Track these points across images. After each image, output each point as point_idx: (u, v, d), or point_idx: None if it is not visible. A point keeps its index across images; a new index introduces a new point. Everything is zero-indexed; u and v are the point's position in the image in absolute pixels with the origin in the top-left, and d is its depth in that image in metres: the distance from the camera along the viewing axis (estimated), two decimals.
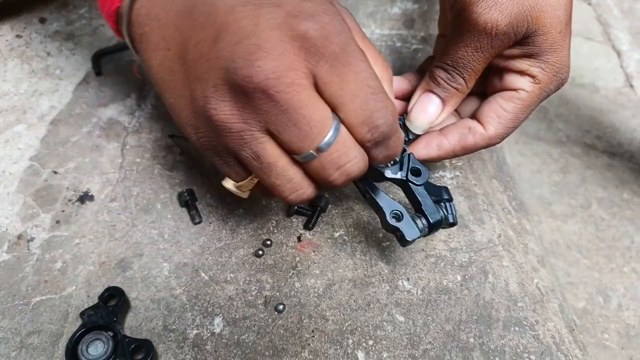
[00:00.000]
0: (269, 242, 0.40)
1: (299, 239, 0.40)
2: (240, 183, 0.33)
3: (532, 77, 0.36)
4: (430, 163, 0.45)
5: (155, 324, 0.36)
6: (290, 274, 0.38)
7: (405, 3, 0.60)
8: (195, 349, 0.35)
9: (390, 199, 0.34)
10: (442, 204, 0.35)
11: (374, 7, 0.59)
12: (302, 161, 0.29)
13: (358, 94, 0.27)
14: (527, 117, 0.38)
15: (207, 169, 0.44)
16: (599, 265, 0.71)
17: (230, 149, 0.29)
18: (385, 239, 0.40)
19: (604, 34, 1.11)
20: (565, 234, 0.73)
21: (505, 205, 0.44)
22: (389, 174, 0.35)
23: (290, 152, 0.29)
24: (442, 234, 0.41)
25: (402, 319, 0.36)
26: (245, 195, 0.34)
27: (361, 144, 0.29)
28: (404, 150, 0.36)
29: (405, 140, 0.38)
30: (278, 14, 0.27)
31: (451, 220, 0.36)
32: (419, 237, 0.33)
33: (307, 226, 0.41)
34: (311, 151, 0.28)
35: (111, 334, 0.34)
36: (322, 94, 0.28)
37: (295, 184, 0.30)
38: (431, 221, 0.34)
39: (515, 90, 0.36)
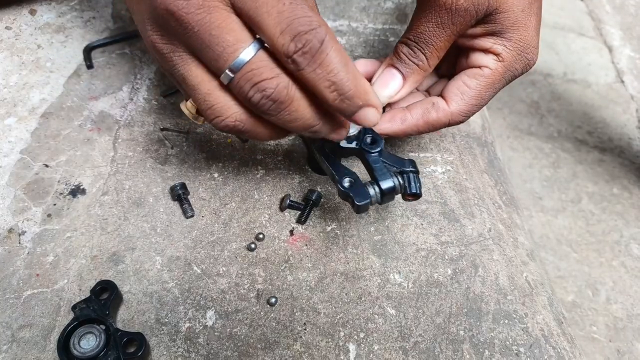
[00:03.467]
0: (261, 236, 0.40)
1: (291, 232, 0.41)
2: (187, 104, 0.33)
3: (496, 54, 0.36)
4: (423, 159, 0.46)
5: (148, 317, 0.36)
6: (282, 268, 0.39)
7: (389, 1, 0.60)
8: (188, 342, 0.35)
9: (346, 168, 0.35)
10: (405, 175, 0.35)
11: (367, 1, 0.59)
12: (225, 83, 0.29)
13: (275, 5, 0.27)
14: (492, 96, 0.39)
15: (199, 162, 0.44)
16: (588, 259, 0.72)
17: (168, 72, 0.31)
18: (377, 233, 0.41)
19: (595, 30, 1.12)
20: (555, 228, 0.74)
21: (496, 199, 0.45)
22: (344, 143, 0.36)
23: (214, 74, 0.29)
24: (433, 227, 0.41)
25: (393, 312, 0.37)
26: (199, 122, 0.34)
27: (288, 57, 0.27)
28: None
29: None
30: None
31: (413, 190, 0.35)
32: (369, 203, 0.34)
33: (300, 220, 0.41)
34: (227, 71, 0.28)
35: (103, 327, 0.34)
36: (239, 15, 0.28)
37: (216, 110, 0.30)
38: (382, 187, 0.34)
39: (479, 67, 0.37)
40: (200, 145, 0.45)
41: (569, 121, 0.85)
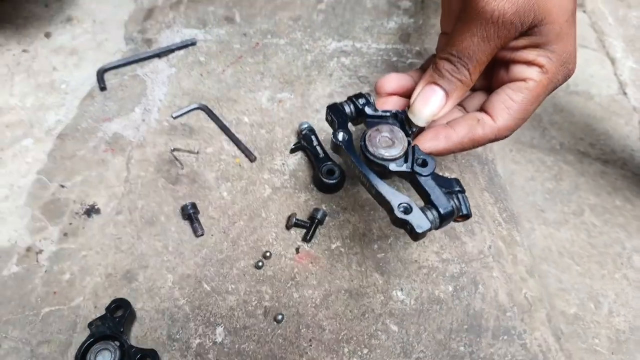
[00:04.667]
0: (268, 254, 0.42)
1: (297, 250, 0.42)
2: None
3: (540, 66, 0.36)
4: None
5: (160, 333, 0.38)
6: (288, 285, 0.40)
7: (402, 17, 0.61)
8: (198, 357, 0.37)
9: (397, 192, 0.33)
10: (454, 195, 0.34)
11: (370, 21, 0.60)
12: None
13: None
14: (535, 109, 0.38)
15: (208, 182, 0.46)
16: (590, 271, 0.72)
17: None
18: (380, 251, 0.42)
19: (598, 42, 1.13)
20: (557, 240, 0.75)
21: (496, 217, 0.46)
22: (393, 167, 0.34)
23: None
24: (434, 245, 0.43)
25: (395, 328, 0.38)
26: None
27: None
28: (409, 143, 0.36)
29: (408, 133, 0.37)
30: None
31: (464, 212, 0.34)
32: (430, 230, 0.32)
33: (305, 238, 0.42)
34: None
35: (118, 343, 0.35)
36: None
37: None
38: (442, 212, 0.32)
39: (523, 80, 0.36)
40: (210, 166, 0.47)
41: (571, 133, 0.86)
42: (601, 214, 0.80)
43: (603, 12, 1.19)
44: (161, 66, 0.55)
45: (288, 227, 0.43)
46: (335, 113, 0.37)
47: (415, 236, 0.32)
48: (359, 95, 0.38)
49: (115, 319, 0.36)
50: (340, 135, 0.35)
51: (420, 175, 0.34)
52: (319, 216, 0.43)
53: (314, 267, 0.41)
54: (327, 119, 0.38)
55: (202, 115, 0.51)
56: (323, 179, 0.44)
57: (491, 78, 0.38)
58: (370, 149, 0.34)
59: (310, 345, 0.37)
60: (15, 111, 0.52)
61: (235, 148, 0.48)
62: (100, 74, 0.53)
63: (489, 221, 0.45)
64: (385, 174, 0.35)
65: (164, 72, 0.54)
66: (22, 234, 0.43)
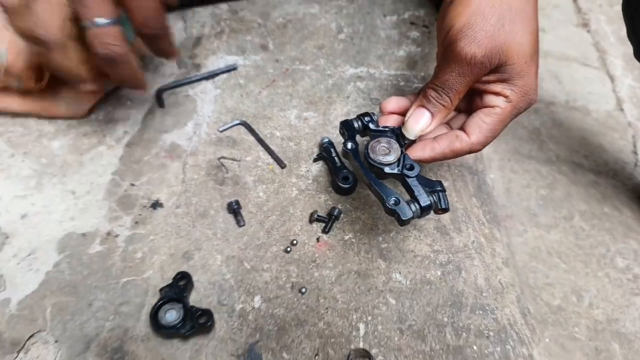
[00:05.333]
0: (295, 242, 0.53)
1: (317, 240, 0.53)
2: None
3: (505, 96, 0.45)
4: None
5: (212, 299, 0.49)
6: (310, 266, 0.51)
7: (410, 46, 0.72)
8: (241, 318, 0.48)
9: (390, 189, 0.43)
10: (435, 193, 0.44)
11: (383, 50, 0.71)
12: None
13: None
14: (502, 129, 0.48)
15: (248, 184, 0.57)
16: (575, 269, 0.81)
17: None
18: (384, 242, 0.53)
19: (599, 60, 1.21)
20: (547, 241, 0.84)
21: (480, 218, 0.56)
22: (388, 170, 0.45)
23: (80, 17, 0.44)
24: (428, 239, 0.53)
25: (393, 301, 0.49)
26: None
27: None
28: (402, 152, 0.47)
29: (402, 144, 0.48)
30: None
31: (443, 206, 0.43)
32: (412, 218, 0.42)
33: (324, 230, 0.53)
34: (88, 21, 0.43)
35: (181, 305, 0.47)
36: None
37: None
38: (422, 205, 0.43)
39: (492, 107, 0.46)
40: (249, 171, 0.58)
41: (568, 146, 0.96)
42: (590, 220, 0.89)
43: (606, 31, 1.27)
44: (209, 87, 0.67)
45: (311, 221, 0.54)
46: (346, 127, 0.49)
47: (401, 222, 0.42)
48: (365, 114, 0.50)
49: (180, 287, 0.48)
50: (349, 145, 0.47)
51: (408, 176, 0.45)
52: (335, 213, 0.54)
53: (331, 253, 0.52)
54: (340, 132, 0.50)
55: (242, 129, 0.62)
56: (339, 183, 0.55)
57: (470, 104, 0.49)
58: (371, 155, 0.46)
59: (327, 312, 0.48)
60: (91, 122, 0.64)
61: (269, 157, 0.59)
62: (159, 93, 0.65)
63: (474, 221, 0.55)
64: (382, 175, 0.46)
65: (211, 92, 0.66)
66: (102, 222, 0.55)
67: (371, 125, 0.49)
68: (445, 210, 0.44)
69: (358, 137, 0.49)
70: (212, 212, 0.55)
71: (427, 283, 0.50)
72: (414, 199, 0.44)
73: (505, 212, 0.87)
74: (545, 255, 0.83)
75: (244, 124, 0.62)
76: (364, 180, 0.47)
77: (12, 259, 0.52)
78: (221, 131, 0.62)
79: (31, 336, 0.47)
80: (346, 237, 0.53)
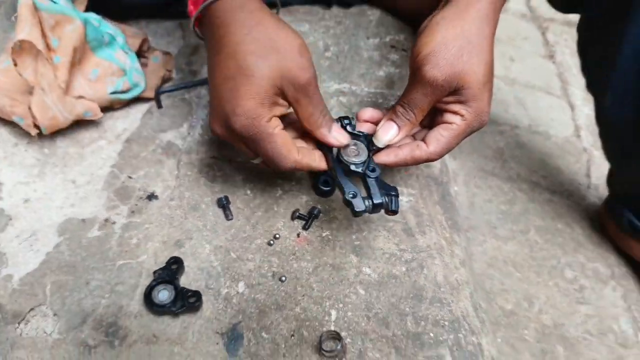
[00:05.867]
0: (277, 236, 0.58)
1: (298, 235, 0.59)
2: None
3: (461, 115, 0.53)
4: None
5: (200, 283, 0.54)
6: (290, 258, 0.57)
7: (389, 67, 0.79)
8: (226, 301, 0.53)
9: (351, 184, 0.50)
10: (389, 196, 0.51)
11: (365, 69, 0.78)
12: None
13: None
14: (457, 144, 0.55)
15: (237, 182, 0.63)
16: (528, 278, 0.90)
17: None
18: (357, 240, 0.59)
19: (562, 89, 1.32)
20: (504, 252, 0.92)
21: (443, 223, 0.63)
22: (353, 167, 0.52)
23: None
24: (395, 239, 0.60)
25: (363, 292, 0.55)
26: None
27: None
28: (369, 156, 0.54)
29: (371, 149, 0.55)
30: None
31: (392, 208, 0.51)
32: (364, 211, 0.49)
33: (304, 227, 0.59)
34: None
35: (173, 286, 0.52)
36: None
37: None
38: (374, 202, 0.50)
39: (450, 123, 0.53)
40: (238, 170, 0.64)
41: (528, 166, 1.04)
42: (544, 234, 0.98)
43: (570, 64, 1.39)
44: (203, 92, 0.72)
45: (292, 219, 0.60)
46: None
47: (354, 213, 0.49)
48: (345, 117, 0.57)
49: (172, 270, 0.53)
50: None
51: (369, 177, 0.52)
52: (315, 212, 0.60)
53: (309, 247, 0.58)
54: None
55: None
56: (320, 186, 0.61)
57: (432, 120, 0.56)
58: (342, 153, 0.53)
59: (303, 299, 0.54)
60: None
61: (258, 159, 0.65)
62: (158, 95, 0.71)
63: (437, 226, 0.62)
64: (348, 171, 0.53)
65: (205, 97, 0.72)
66: (100, 210, 0.60)
67: (348, 128, 0.56)
68: (394, 212, 0.51)
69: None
70: (203, 206, 0.60)
71: (393, 277, 0.56)
72: (369, 196, 0.51)
73: (468, 223, 0.95)
74: (502, 264, 0.92)
75: None
76: (332, 174, 0.54)
77: (14, 239, 0.56)
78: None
79: (31, 309, 0.51)
80: (324, 234, 0.59)
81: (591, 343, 0.84)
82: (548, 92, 1.29)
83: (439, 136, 0.54)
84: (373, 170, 0.53)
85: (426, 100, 0.52)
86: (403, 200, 0.63)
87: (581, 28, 0.79)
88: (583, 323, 0.86)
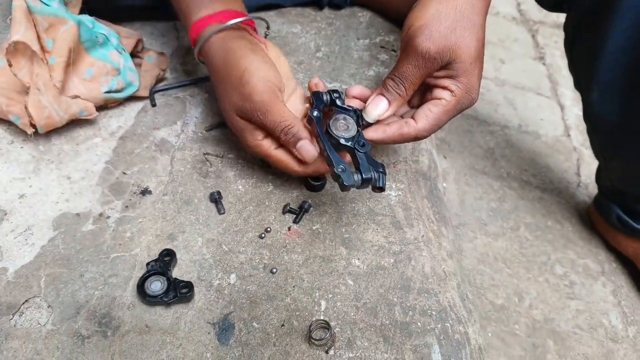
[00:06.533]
0: (269, 229, 0.60)
1: (289, 228, 0.60)
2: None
3: (451, 91, 0.53)
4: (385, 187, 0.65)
5: (192, 275, 0.55)
6: (281, 251, 0.58)
7: (379, 67, 0.81)
8: (217, 292, 0.54)
9: (340, 158, 0.50)
10: (377, 173, 0.50)
11: (355, 69, 0.80)
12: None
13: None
14: (446, 121, 0.55)
15: (229, 178, 0.64)
16: (518, 274, 0.91)
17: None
18: (346, 233, 0.60)
19: (552, 90, 1.34)
20: (494, 248, 0.93)
21: (430, 217, 0.65)
22: (343, 142, 0.52)
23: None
24: (384, 231, 0.61)
25: (352, 283, 0.56)
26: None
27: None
28: (358, 131, 0.54)
29: (360, 125, 0.54)
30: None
31: (379, 185, 0.50)
32: (353, 186, 0.49)
33: (295, 220, 0.61)
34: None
35: (165, 278, 0.53)
36: None
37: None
38: (363, 177, 0.49)
39: (439, 99, 0.54)
40: (231, 166, 0.65)
41: (518, 165, 1.06)
42: (534, 231, 0.99)
43: (559, 65, 1.41)
44: (197, 91, 0.74)
45: (283, 212, 0.61)
46: (316, 98, 0.56)
47: (342, 187, 0.50)
48: (335, 91, 0.57)
49: (165, 262, 0.54)
50: (315, 113, 0.54)
51: (358, 151, 0.52)
52: (306, 206, 0.61)
53: (300, 240, 0.59)
54: (309, 101, 0.56)
55: (226, 130, 0.69)
56: (311, 181, 0.63)
57: (422, 101, 0.56)
58: (332, 127, 0.53)
59: (294, 290, 0.55)
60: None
61: (249, 155, 0.66)
62: (152, 94, 0.72)
63: (424, 219, 0.64)
64: (337, 146, 0.53)
65: (199, 96, 0.73)
66: (95, 204, 0.61)
67: (338, 102, 0.56)
68: (381, 189, 0.51)
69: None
70: (196, 201, 0.62)
71: (381, 269, 0.58)
72: (358, 170, 0.50)
73: (458, 220, 0.97)
74: (492, 260, 0.93)
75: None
76: (321, 148, 0.53)
77: (9, 234, 0.57)
78: (207, 130, 0.69)
79: (26, 301, 0.52)
80: (314, 227, 0.61)
81: (582, 337, 0.86)
82: (538, 92, 1.31)
83: (428, 112, 0.53)
84: (363, 146, 0.52)
85: (417, 73, 0.52)
86: (392, 194, 0.65)
87: (568, 26, 0.81)
88: (573, 318, 0.88)
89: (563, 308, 0.89)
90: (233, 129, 0.59)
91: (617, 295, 0.93)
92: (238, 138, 0.59)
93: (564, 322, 0.87)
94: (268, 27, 0.66)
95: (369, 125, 0.55)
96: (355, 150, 0.52)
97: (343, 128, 0.54)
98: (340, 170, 0.50)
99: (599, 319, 0.88)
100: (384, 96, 0.54)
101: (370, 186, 0.52)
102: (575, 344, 0.84)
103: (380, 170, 0.51)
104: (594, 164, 0.95)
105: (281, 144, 0.57)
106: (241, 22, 0.60)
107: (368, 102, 0.56)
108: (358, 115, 0.56)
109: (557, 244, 0.99)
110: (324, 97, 0.56)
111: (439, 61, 0.51)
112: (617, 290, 0.94)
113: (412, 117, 0.55)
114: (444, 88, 0.53)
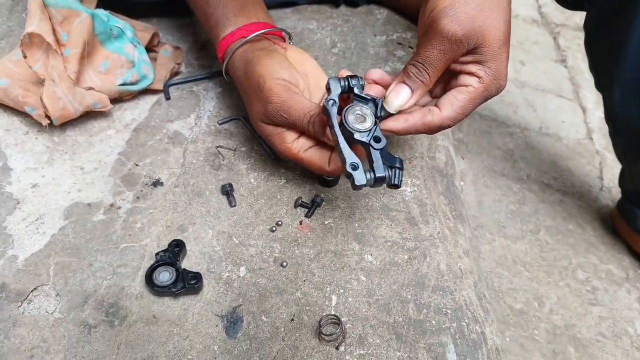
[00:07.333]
0: (280, 223, 0.58)
1: (300, 222, 0.59)
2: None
3: (479, 77, 0.49)
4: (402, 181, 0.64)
5: (201, 267, 0.54)
6: (292, 244, 0.57)
7: (396, 64, 0.79)
8: (227, 284, 0.53)
9: (353, 154, 0.45)
10: (393, 169, 0.46)
11: (371, 65, 0.79)
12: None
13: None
14: (473, 109, 0.51)
15: (241, 171, 0.63)
16: (538, 278, 0.88)
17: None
18: (359, 228, 0.59)
19: (573, 93, 1.30)
20: (513, 251, 0.90)
21: (447, 214, 0.63)
22: (357, 136, 0.47)
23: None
24: (398, 227, 0.59)
25: (364, 279, 0.55)
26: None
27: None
28: (376, 123, 0.48)
29: (378, 116, 0.49)
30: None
31: (395, 182, 0.46)
32: (365, 185, 0.45)
33: (307, 215, 0.59)
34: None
35: (174, 268, 0.52)
36: None
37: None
38: (377, 175, 0.45)
39: (465, 86, 0.50)
40: (243, 159, 0.65)
41: (538, 167, 1.03)
42: (555, 235, 0.96)
43: (581, 68, 1.38)
44: (211, 85, 0.73)
45: (295, 206, 0.60)
46: (333, 84, 0.51)
47: (354, 187, 0.45)
48: (354, 77, 0.51)
49: (174, 252, 0.53)
50: (330, 102, 0.48)
51: (373, 147, 0.48)
52: (318, 200, 0.60)
53: (311, 234, 0.58)
54: (326, 87, 0.51)
55: (239, 123, 0.68)
56: (324, 176, 0.61)
57: (446, 90, 0.52)
58: (347, 118, 0.49)
59: (304, 284, 0.54)
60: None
61: (262, 149, 0.65)
62: (166, 87, 0.72)
63: (440, 216, 0.62)
64: (351, 139, 0.48)
65: (213, 90, 0.73)
66: (106, 195, 0.60)
67: (356, 90, 0.50)
68: (396, 186, 0.47)
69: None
70: (207, 193, 0.61)
71: (394, 265, 0.56)
72: (372, 168, 0.46)
73: (476, 221, 0.94)
74: (511, 263, 0.90)
75: (241, 119, 0.68)
76: (334, 139, 0.48)
77: (21, 222, 0.57)
78: (220, 124, 0.68)
79: (35, 289, 0.52)
80: (326, 222, 0.59)
81: (605, 345, 0.82)
82: (559, 95, 1.28)
83: (454, 99, 0.50)
84: (378, 141, 0.48)
85: (442, 58, 0.48)
86: (407, 190, 0.63)
87: (587, 25, 0.79)
88: (596, 325, 0.84)
89: (585, 314, 0.85)
90: (264, 138, 0.58)
91: None
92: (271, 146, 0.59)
93: (585, 328, 0.84)
94: (290, 38, 0.65)
95: (389, 115, 0.51)
96: (370, 146, 0.48)
97: (359, 120, 0.49)
98: (351, 168, 0.46)
99: (623, 326, 0.84)
100: (406, 84, 0.50)
101: (385, 184, 0.48)
102: (598, 352, 0.80)
103: (397, 166, 0.48)
104: (617, 167, 0.91)
105: (312, 144, 0.55)
106: (262, 34, 0.59)
107: (389, 90, 0.52)
108: (377, 104, 0.51)
109: (579, 248, 0.95)
110: (341, 84, 0.51)
111: (465, 45, 0.47)
112: None
113: (436, 105, 0.51)
114: (471, 74, 0.50)
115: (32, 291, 0.52)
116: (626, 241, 0.95)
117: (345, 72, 0.54)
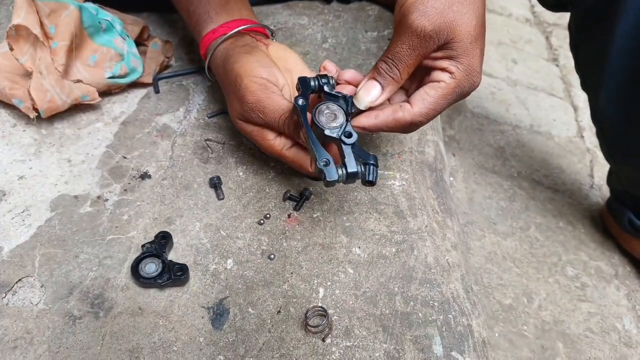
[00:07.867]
0: (268, 216, 0.58)
1: (289, 215, 0.59)
2: None
3: (451, 73, 0.47)
4: (387, 175, 0.64)
5: (188, 259, 0.54)
6: (280, 237, 0.57)
7: None
8: (213, 277, 0.53)
9: (324, 151, 0.45)
10: (367, 166, 0.46)
11: (362, 60, 0.79)
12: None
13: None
14: (445, 106, 0.50)
15: (230, 164, 0.63)
16: (527, 274, 0.88)
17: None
18: (347, 221, 0.59)
19: (565, 91, 1.31)
20: (503, 247, 0.91)
21: (435, 208, 0.63)
22: (327, 132, 0.47)
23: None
24: (386, 221, 0.59)
25: (352, 271, 0.55)
26: None
27: None
28: (347, 120, 0.48)
29: (349, 113, 0.49)
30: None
31: (369, 179, 0.46)
32: (337, 181, 0.45)
33: (295, 208, 0.59)
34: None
35: (160, 260, 0.52)
36: None
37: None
38: (348, 170, 0.45)
39: (438, 82, 0.48)
40: (232, 153, 0.64)
41: (529, 165, 1.03)
42: (545, 232, 0.96)
43: (573, 67, 1.38)
44: (201, 79, 0.73)
45: (284, 200, 0.60)
46: (302, 84, 0.50)
47: (326, 183, 0.45)
48: (324, 76, 0.51)
49: (161, 244, 0.53)
50: (300, 101, 0.48)
51: (344, 143, 0.47)
52: (306, 194, 0.60)
53: (300, 227, 0.58)
54: (296, 87, 0.51)
55: (228, 117, 0.68)
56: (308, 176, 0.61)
57: (420, 85, 0.52)
58: (317, 116, 0.49)
59: (291, 276, 0.53)
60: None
61: (251, 142, 0.65)
62: (156, 80, 0.72)
63: (429, 209, 0.62)
64: (322, 137, 0.48)
65: (203, 83, 0.72)
66: (93, 187, 0.60)
67: (326, 88, 0.50)
68: (372, 183, 0.47)
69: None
70: (195, 186, 0.61)
71: (382, 258, 0.56)
72: (344, 164, 0.46)
73: (466, 218, 0.94)
74: (501, 260, 0.90)
75: None
76: (304, 138, 0.48)
77: (7, 214, 0.57)
78: (209, 117, 0.68)
79: (19, 280, 0.51)
80: (314, 215, 0.59)
81: (593, 341, 0.82)
82: (551, 93, 1.28)
83: (425, 95, 0.49)
84: (349, 136, 0.47)
85: (412, 53, 0.47)
86: (395, 184, 0.63)
87: (571, 26, 0.79)
88: (585, 321, 0.85)
89: (574, 310, 0.86)
90: (245, 136, 0.58)
91: (632, 299, 0.89)
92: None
93: (574, 324, 0.84)
94: (273, 35, 0.65)
95: (360, 112, 0.51)
96: (342, 141, 0.47)
97: (330, 117, 0.49)
98: (322, 164, 0.45)
99: (611, 322, 0.85)
100: (377, 80, 0.49)
101: (360, 180, 0.47)
102: (587, 348, 0.81)
103: (371, 162, 0.47)
104: (608, 165, 0.92)
105: (293, 142, 0.54)
106: (244, 29, 0.59)
107: (359, 87, 0.51)
108: (348, 102, 0.50)
109: (569, 245, 0.96)
110: (312, 83, 0.51)
111: (435, 40, 0.46)
112: (632, 294, 0.90)
113: (407, 101, 0.51)
114: (443, 70, 0.49)
115: (16, 282, 0.51)
116: (616, 239, 0.96)
117: (328, 64, 0.55)
